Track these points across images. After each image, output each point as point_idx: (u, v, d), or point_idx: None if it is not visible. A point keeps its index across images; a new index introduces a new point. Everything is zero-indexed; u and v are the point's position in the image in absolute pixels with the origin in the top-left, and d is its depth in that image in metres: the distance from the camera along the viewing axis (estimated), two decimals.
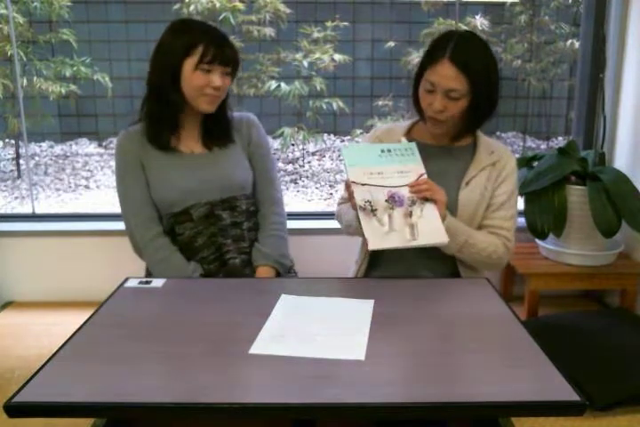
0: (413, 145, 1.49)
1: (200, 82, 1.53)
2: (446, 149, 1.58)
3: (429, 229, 1.40)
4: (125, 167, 1.63)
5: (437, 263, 1.55)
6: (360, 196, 1.40)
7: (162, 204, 1.63)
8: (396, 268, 1.57)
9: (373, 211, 1.40)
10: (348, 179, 1.41)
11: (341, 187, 4.37)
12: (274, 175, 1.77)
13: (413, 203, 1.41)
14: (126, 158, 1.63)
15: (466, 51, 1.42)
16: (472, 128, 1.56)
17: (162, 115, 1.59)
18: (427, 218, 1.41)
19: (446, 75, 1.41)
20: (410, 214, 1.40)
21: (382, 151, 1.46)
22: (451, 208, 1.49)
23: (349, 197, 1.42)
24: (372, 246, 1.38)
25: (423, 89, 1.48)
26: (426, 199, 1.41)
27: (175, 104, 1.58)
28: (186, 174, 1.61)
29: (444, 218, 1.43)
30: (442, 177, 1.49)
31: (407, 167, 1.45)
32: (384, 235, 1.39)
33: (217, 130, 1.67)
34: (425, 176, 1.44)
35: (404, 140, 1.53)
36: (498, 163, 1.55)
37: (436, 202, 1.42)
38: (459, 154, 1.58)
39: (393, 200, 1.41)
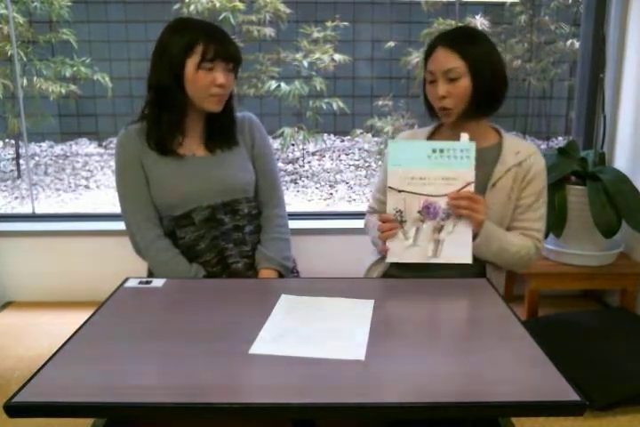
0: (472, 146, 1.37)
1: (204, 81, 1.51)
2: None
3: (456, 246, 1.35)
4: (125, 166, 1.61)
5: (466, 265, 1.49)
6: (392, 204, 1.37)
7: (162, 206, 1.61)
8: (419, 267, 1.49)
9: (402, 222, 1.36)
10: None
11: (342, 187, 4.38)
12: (277, 177, 1.76)
13: (448, 216, 1.35)
14: (126, 158, 1.60)
15: (458, 35, 1.48)
16: (484, 110, 1.51)
17: (166, 119, 1.56)
18: (457, 234, 1.36)
19: (441, 58, 1.45)
20: (440, 229, 1.35)
21: (433, 151, 1.36)
22: None
23: (383, 231, 1.38)
24: (389, 259, 1.39)
25: (427, 83, 1.50)
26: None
27: (180, 107, 1.55)
28: (187, 178, 1.59)
29: (475, 236, 1.39)
30: None
31: (455, 173, 1.35)
32: (405, 248, 1.37)
33: (222, 131, 1.64)
34: (472, 186, 1.36)
35: (464, 137, 1.39)
36: (524, 162, 1.52)
37: (472, 220, 1.36)
38: (484, 155, 1.54)
39: (427, 212, 1.35)
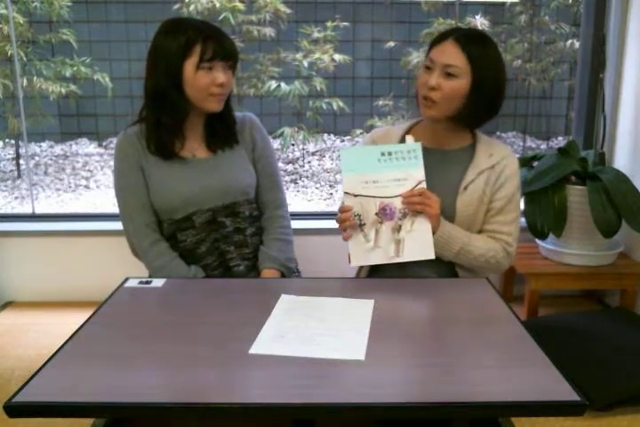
0: (418, 146, 1.41)
1: (204, 81, 1.49)
2: (444, 153, 1.54)
3: (417, 243, 1.39)
4: (124, 171, 1.59)
5: (438, 264, 1.51)
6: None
7: (163, 210, 1.60)
8: (398, 269, 1.54)
9: (361, 226, 1.40)
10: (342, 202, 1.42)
11: (341, 187, 4.37)
12: (278, 178, 1.75)
13: (404, 216, 1.39)
14: (126, 162, 1.59)
15: (473, 38, 1.43)
16: (467, 122, 1.50)
17: (166, 122, 1.54)
18: (416, 232, 1.39)
19: (447, 51, 1.41)
20: (398, 229, 1.39)
21: (382, 154, 1.41)
22: (449, 213, 1.48)
23: (341, 222, 1.42)
24: (353, 263, 1.42)
25: (423, 67, 1.47)
26: (418, 211, 1.39)
27: (179, 110, 1.53)
28: (188, 181, 1.58)
29: (435, 230, 1.41)
30: (439, 182, 1.47)
31: (405, 173, 1.40)
32: (368, 251, 1.40)
33: (223, 130, 1.63)
34: (423, 184, 1.40)
35: (409, 139, 1.45)
36: (497, 166, 1.51)
37: (427, 215, 1.39)
38: (457, 157, 1.54)
39: (384, 213, 1.39)
